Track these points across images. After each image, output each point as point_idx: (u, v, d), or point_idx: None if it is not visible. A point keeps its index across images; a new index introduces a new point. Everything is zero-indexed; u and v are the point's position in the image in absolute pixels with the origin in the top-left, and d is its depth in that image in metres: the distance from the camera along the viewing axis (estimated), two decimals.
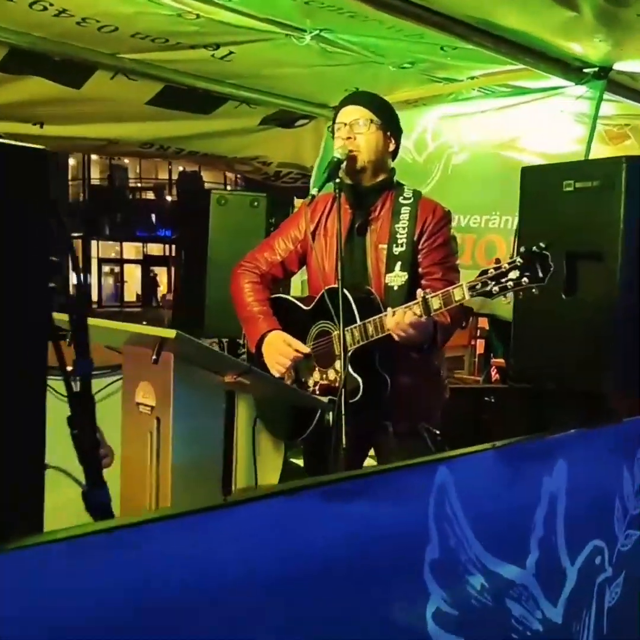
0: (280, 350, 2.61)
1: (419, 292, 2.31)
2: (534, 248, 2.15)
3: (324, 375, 2.59)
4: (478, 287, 2.19)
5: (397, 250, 2.56)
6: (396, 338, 2.36)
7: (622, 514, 2.10)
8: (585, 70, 3.31)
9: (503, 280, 2.16)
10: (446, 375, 2.88)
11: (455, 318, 2.50)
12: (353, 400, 2.41)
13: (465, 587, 1.61)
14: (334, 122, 2.63)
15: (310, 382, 2.66)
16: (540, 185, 2.87)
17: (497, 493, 1.69)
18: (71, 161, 27.12)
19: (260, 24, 3.06)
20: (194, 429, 2.61)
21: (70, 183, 24.88)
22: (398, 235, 2.58)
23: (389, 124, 2.62)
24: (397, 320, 2.33)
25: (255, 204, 4.13)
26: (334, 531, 1.36)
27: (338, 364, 2.52)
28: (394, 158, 2.68)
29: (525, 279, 2.13)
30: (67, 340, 2.82)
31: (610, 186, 2.61)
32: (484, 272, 2.19)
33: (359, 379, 2.46)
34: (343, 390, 2.28)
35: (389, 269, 2.55)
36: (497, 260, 2.21)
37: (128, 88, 3.67)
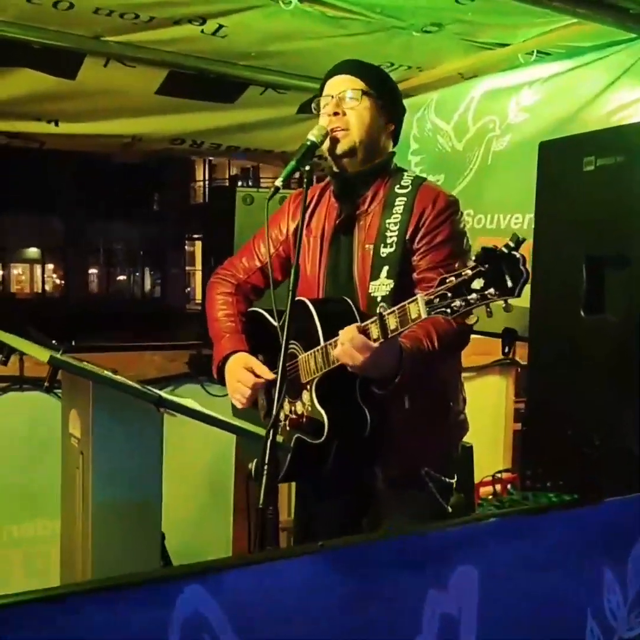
0: (238, 376, 2.14)
1: (380, 308, 1.81)
2: (502, 248, 1.54)
3: (293, 408, 2.11)
4: (436, 301, 1.61)
5: (385, 251, 2.03)
6: (348, 367, 1.85)
7: (600, 637, 1.42)
8: None
9: (466, 292, 1.57)
10: (463, 407, 2.27)
11: (444, 342, 1.92)
12: (317, 441, 1.94)
13: None
14: (320, 96, 2.15)
15: (281, 415, 2.18)
16: (558, 163, 2.18)
17: (326, 619, 1.11)
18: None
19: None
20: (120, 465, 2.26)
21: (194, 185, 25.42)
22: (388, 233, 2.04)
23: (387, 99, 2.11)
24: (341, 342, 1.82)
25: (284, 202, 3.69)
26: None
27: (306, 395, 2.04)
28: (394, 141, 2.16)
29: (491, 290, 1.52)
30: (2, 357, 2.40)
31: (636, 162, 1.89)
32: (443, 281, 1.61)
33: (324, 415, 1.95)
34: (271, 431, 1.75)
35: (374, 275, 2.03)
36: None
37: (130, 76, 3.31)
